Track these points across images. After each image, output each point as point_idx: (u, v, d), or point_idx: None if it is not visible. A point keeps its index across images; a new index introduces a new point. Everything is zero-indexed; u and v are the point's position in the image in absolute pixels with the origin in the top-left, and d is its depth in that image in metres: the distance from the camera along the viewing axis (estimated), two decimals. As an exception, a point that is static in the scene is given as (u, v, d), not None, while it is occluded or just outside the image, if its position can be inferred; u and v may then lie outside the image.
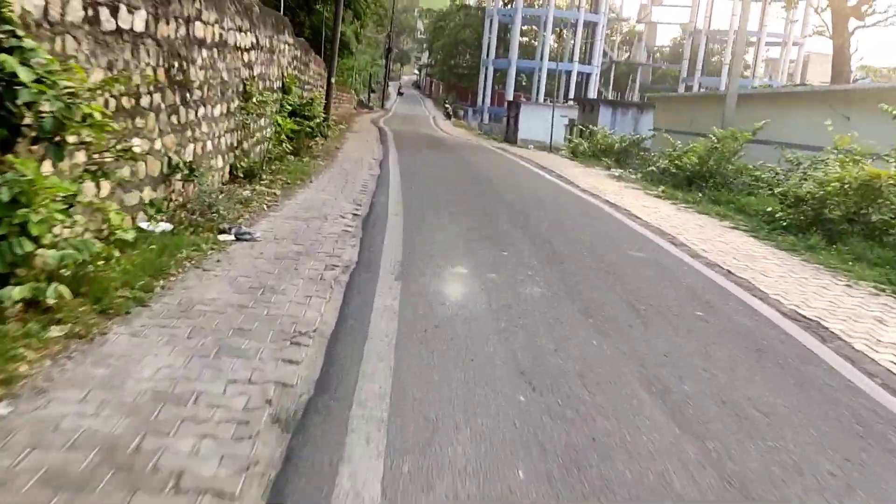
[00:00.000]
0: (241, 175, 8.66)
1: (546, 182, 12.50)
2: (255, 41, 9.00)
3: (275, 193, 8.32)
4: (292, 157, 11.64)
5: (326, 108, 20.82)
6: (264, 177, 9.04)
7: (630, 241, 7.40)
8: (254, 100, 8.82)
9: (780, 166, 13.37)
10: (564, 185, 11.97)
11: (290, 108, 11.94)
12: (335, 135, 18.86)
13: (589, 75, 62.29)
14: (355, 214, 7.67)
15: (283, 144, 9.88)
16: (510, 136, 47.01)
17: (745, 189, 13.14)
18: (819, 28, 24.31)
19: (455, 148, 19.81)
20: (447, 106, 57.65)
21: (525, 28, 66.85)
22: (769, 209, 9.41)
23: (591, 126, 32.99)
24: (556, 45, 66.46)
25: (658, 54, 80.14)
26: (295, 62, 13.41)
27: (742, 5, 15.57)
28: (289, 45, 12.12)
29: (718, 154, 13.53)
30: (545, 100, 59.08)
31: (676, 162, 14.45)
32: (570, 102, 56.07)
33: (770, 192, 12.18)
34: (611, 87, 71.60)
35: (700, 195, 11.32)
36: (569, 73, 59.42)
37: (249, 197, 7.75)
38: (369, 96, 57.81)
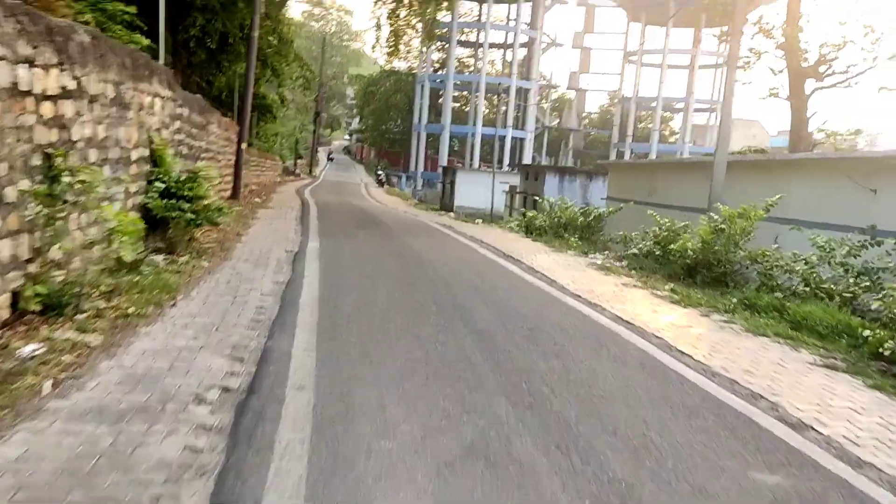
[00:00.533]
0: (38, 309, 5.04)
1: (520, 282, 9.34)
2: (74, 85, 5.56)
3: (87, 345, 4.72)
4: (162, 257, 8.07)
5: (236, 179, 17.42)
6: (87, 305, 5.43)
7: (726, 434, 4.17)
8: (67, 180, 5.30)
9: (777, 244, 10.83)
10: (546, 287, 8.82)
11: (161, 185, 8.43)
12: (245, 211, 15.33)
13: (523, 140, 61.61)
14: (226, 390, 4.18)
15: (121, 252, 6.24)
16: (446, 204, 44.55)
17: (762, 281, 10.47)
18: (773, 90, 22.85)
19: (393, 227, 16.56)
20: (379, 173, 55.02)
21: (457, 93, 66.00)
22: (864, 332, 6.49)
23: (537, 195, 30.78)
24: (487, 110, 65.76)
25: (587, 121, 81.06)
26: (178, 123, 9.98)
27: (727, 77, 13.40)
28: (163, 98, 8.72)
29: (725, 237, 10.86)
30: (480, 165, 57.62)
31: (670, 246, 11.70)
32: (507, 168, 54.64)
33: (806, 286, 9.50)
34: (544, 152, 71.30)
35: (733, 301, 8.40)
36: (503, 138, 58.34)
37: (23, 363, 4.14)
38: (296, 163, 54.63)
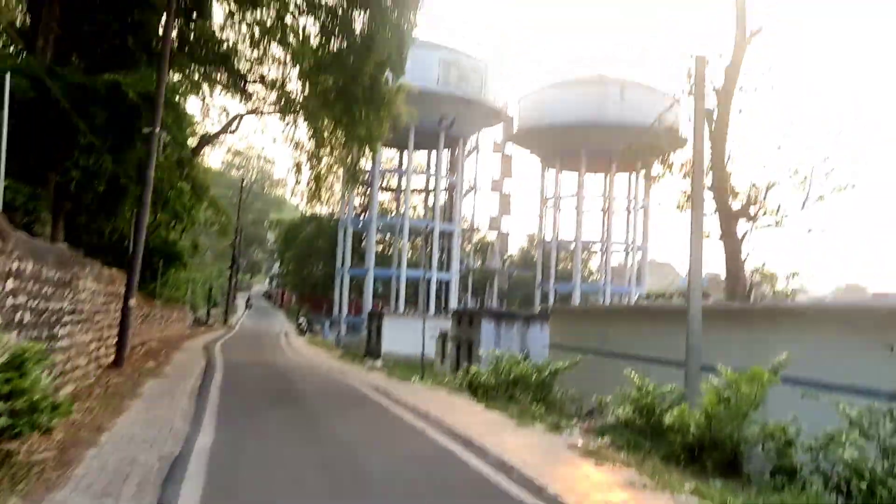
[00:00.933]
0: None
1: (506, 499, 6.70)
2: None
3: None
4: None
5: (120, 343, 14.30)
6: None
7: None
8: None
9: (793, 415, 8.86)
10: None
11: (-44, 381, 5.56)
12: (124, 387, 12.14)
13: (448, 282, 60.67)
14: None
15: None
16: (372, 350, 41.71)
17: (778, 465, 8.37)
18: (704, 233, 22.19)
19: (316, 400, 13.63)
20: (300, 320, 51.73)
21: (380, 236, 65.36)
22: None
23: (472, 342, 28.60)
24: (410, 252, 65.02)
25: (509, 262, 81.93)
26: (14, 282, 7.25)
27: (693, 221, 12.24)
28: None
29: (732, 409, 8.77)
30: (406, 308, 55.66)
31: (664, 420, 9.49)
32: (432, 311, 52.83)
33: (859, 477, 7.36)
34: (469, 293, 70.60)
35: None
36: (428, 281, 57.20)
37: None
38: (208, 312, 50.64)
